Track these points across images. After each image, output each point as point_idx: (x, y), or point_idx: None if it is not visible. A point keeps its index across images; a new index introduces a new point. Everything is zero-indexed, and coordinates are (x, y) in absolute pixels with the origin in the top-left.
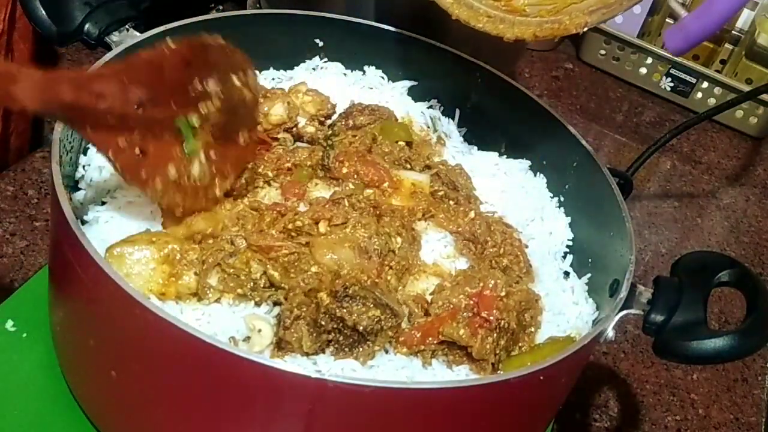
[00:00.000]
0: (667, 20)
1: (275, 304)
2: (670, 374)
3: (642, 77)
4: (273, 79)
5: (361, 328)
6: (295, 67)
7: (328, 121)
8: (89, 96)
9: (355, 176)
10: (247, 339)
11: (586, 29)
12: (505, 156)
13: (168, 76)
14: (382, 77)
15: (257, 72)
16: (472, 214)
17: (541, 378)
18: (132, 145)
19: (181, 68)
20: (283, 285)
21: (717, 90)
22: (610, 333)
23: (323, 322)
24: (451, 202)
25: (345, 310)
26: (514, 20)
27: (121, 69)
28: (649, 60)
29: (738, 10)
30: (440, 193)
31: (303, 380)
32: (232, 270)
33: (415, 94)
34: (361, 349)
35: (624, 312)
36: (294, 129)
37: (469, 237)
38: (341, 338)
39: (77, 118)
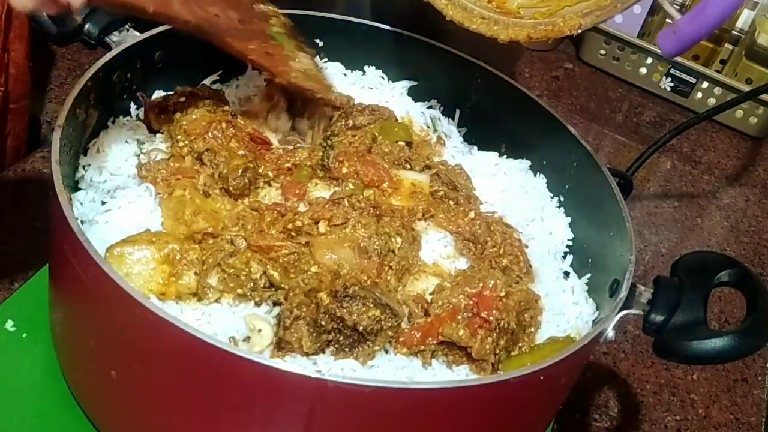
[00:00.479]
0: (666, 20)
1: (275, 304)
2: (670, 374)
3: (642, 77)
4: None
5: (361, 328)
6: None
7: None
8: (208, 14)
9: (355, 176)
10: (247, 339)
11: (580, 31)
12: (505, 156)
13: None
14: (382, 77)
15: (257, 72)
16: (472, 214)
17: (541, 378)
18: (259, 49)
19: None
20: (283, 285)
21: (717, 90)
22: (610, 333)
23: (323, 322)
24: (451, 202)
25: (345, 310)
26: (509, 22)
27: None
28: (649, 60)
29: (731, 14)
30: (440, 193)
31: (303, 380)
32: (232, 270)
33: (415, 94)
34: (361, 349)
35: (624, 312)
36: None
37: (469, 237)
38: (341, 338)
39: (211, 33)
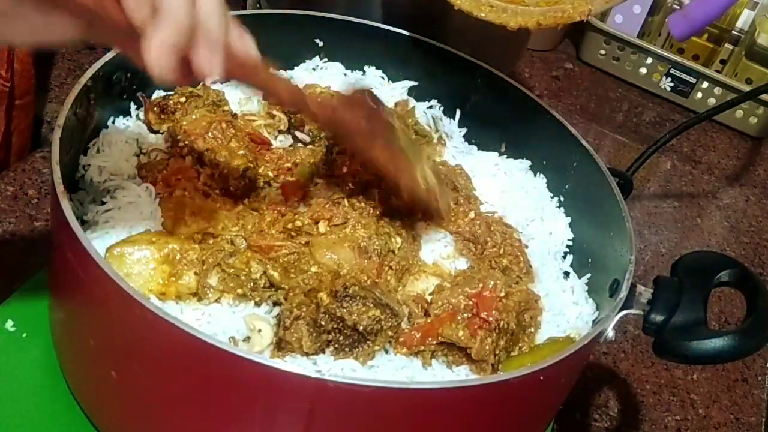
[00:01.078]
0: (667, 19)
1: (275, 304)
2: (670, 374)
3: (642, 77)
4: None
5: (361, 327)
6: (295, 67)
7: None
8: (335, 113)
9: (356, 175)
10: (247, 339)
11: (588, 17)
12: (505, 156)
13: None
14: (382, 77)
15: None
16: (472, 215)
17: (541, 378)
18: (382, 149)
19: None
20: (283, 285)
21: (717, 90)
22: (610, 333)
23: (323, 322)
24: (452, 203)
25: (345, 310)
26: (517, 9)
27: (339, 104)
28: (649, 60)
29: (735, 2)
30: None
31: (303, 380)
32: (232, 270)
33: (416, 95)
34: (361, 349)
35: (624, 312)
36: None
37: (469, 237)
38: (341, 338)
39: (338, 131)
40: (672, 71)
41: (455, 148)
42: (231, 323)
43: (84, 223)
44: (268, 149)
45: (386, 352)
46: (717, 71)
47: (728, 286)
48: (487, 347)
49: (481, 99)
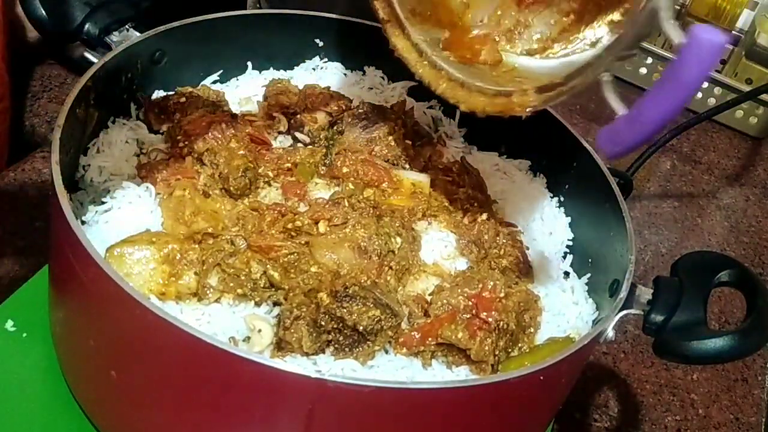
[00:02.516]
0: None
1: (275, 304)
2: (670, 374)
3: (642, 77)
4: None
5: (361, 328)
6: (295, 67)
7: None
8: None
9: (355, 176)
10: (247, 339)
11: (529, 111)
12: (505, 156)
13: None
14: (382, 77)
15: (257, 72)
16: (484, 216)
17: (541, 378)
18: None
19: None
20: (283, 285)
21: (717, 90)
22: (610, 333)
23: (323, 322)
24: (467, 205)
25: (345, 310)
26: (472, 87)
27: None
28: (649, 60)
29: (671, 119)
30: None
31: (303, 380)
32: (232, 270)
33: (416, 94)
34: (361, 349)
35: (624, 312)
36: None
37: (475, 240)
38: (341, 338)
39: None
40: None
41: (455, 148)
42: (231, 323)
43: (84, 223)
44: (268, 149)
45: (386, 352)
46: (717, 71)
47: (728, 286)
48: (487, 348)
49: None
